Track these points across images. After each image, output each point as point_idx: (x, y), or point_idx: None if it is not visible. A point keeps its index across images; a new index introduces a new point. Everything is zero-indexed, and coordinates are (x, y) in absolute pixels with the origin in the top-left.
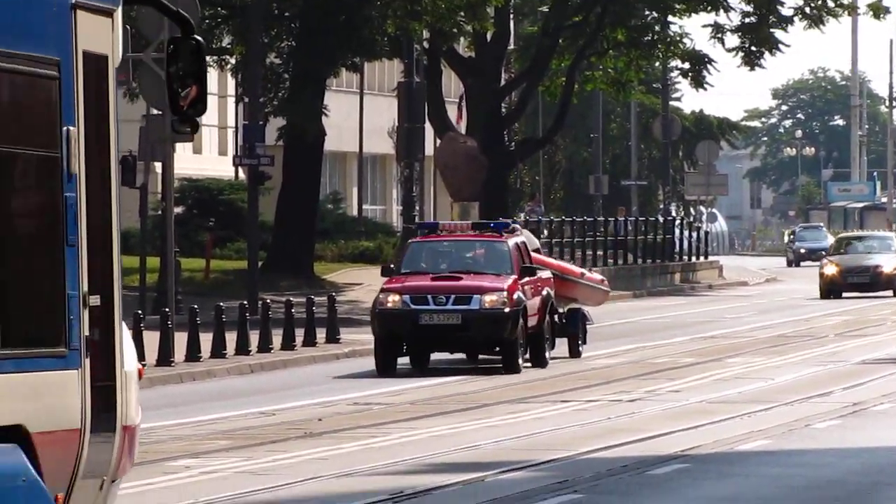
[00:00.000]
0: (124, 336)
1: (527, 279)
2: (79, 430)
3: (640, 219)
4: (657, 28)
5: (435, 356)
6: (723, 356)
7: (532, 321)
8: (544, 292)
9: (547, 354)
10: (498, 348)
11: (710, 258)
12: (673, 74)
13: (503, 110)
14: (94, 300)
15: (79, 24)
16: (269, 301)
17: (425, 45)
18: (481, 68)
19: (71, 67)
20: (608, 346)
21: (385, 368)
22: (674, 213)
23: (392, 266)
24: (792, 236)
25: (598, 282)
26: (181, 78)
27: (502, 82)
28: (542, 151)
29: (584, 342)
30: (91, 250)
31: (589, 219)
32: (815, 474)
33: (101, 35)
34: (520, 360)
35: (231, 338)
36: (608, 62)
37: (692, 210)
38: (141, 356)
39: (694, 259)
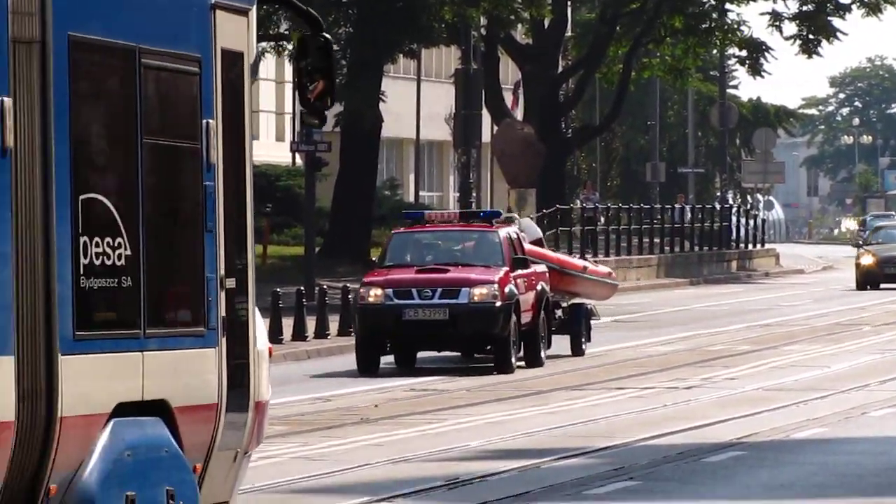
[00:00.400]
0: (256, 317)
1: (520, 272)
2: (216, 405)
3: (697, 206)
4: (715, 15)
5: (423, 354)
6: (779, 344)
7: (526, 317)
8: (539, 287)
9: (542, 353)
10: (489, 346)
11: (767, 246)
12: (730, 62)
13: (560, 97)
14: (230, 283)
15: (217, 23)
16: (325, 287)
17: (482, 31)
18: (539, 55)
19: (211, 64)
20: (664, 333)
21: (367, 368)
22: (731, 201)
23: (374, 259)
24: (863, 225)
25: (603, 275)
26: (309, 73)
27: (559, 69)
28: (600, 138)
29: (588, 339)
30: (227, 235)
31: (646, 206)
32: (870, 462)
33: (238, 33)
34: (513, 359)
35: (288, 323)
36: (665, 49)
37: (749, 198)
38: None
39: (750, 247)
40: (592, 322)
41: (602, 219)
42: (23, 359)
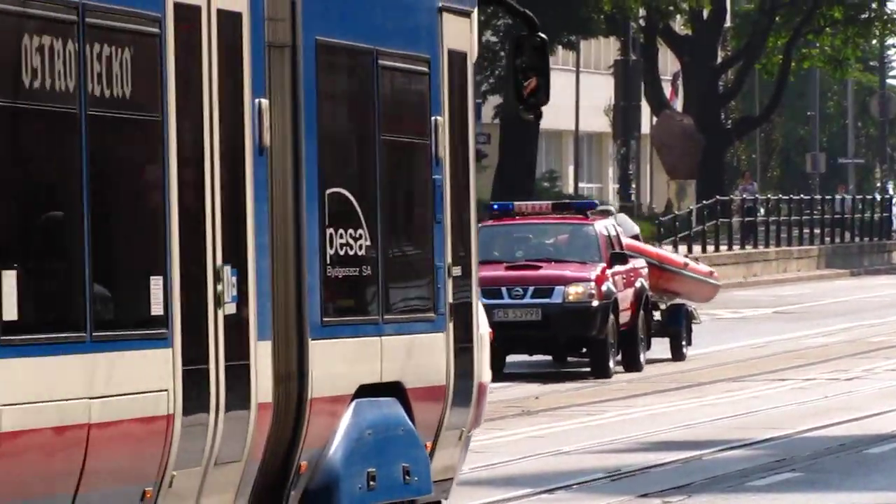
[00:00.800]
0: (478, 303)
1: (617, 268)
2: (444, 387)
3: (858, 197)
4: (874, 6)
5: (512, 358)
6: None
7: (624, 317)
8: (638, 284)
9: (641, 357)
10: (585, 349)
11: None
12: (890, 52)
13: (720, 88)
14: (456, 271)
15: (444, 25)
16: None
17: (641, 22)
18: (698, 46)
19: (439, 64)
20: (825, 324)
21: None
22: (891, 191)
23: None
24: None
25: (705, 274)
26: (524, 70)
27: (719, 60)
28: (759, 129)
29: (689, 343)
30: (453, 226)
31: (806, 197)
32: None
33: (462, 34)
34: (610, 363)
35: None
36: (825, 40)
37: None
38: None
39: None
40: (693, 325)
41: (762, 210)
42: (278, 344)
